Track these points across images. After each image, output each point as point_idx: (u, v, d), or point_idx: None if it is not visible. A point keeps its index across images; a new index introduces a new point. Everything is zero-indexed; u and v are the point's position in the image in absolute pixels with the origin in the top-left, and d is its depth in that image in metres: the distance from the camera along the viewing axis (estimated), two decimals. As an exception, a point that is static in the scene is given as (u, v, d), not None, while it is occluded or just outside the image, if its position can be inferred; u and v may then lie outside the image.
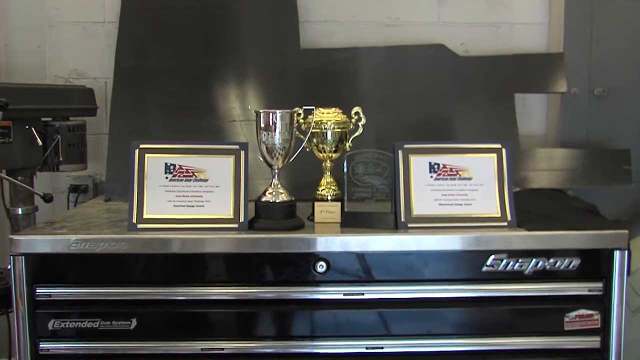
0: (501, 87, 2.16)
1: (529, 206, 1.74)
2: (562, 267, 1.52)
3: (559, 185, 2.08)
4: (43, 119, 1.90)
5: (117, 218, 1.68)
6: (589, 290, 1.53)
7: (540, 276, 1.52)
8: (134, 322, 1.49)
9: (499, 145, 1.60)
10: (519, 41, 2.28)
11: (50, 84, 2.17)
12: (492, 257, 1.50)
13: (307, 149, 1.69)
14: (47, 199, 1.73)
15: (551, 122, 2.32)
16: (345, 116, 1.69)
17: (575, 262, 1.52)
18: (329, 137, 1.66)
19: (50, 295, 1.49)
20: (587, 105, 2.27)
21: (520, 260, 1.51)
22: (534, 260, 1.51)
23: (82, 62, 2.22)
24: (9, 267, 1.49)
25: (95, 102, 2.05)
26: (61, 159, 1.91)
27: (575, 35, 2.25)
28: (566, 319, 1.53)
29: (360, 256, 1.50)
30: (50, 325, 1.49)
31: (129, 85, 2.10)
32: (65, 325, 1.49)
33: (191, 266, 1.50)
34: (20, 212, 1.86)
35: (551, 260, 1.51)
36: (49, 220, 1.69)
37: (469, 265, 1.51)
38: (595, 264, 1.52)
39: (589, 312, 1.53)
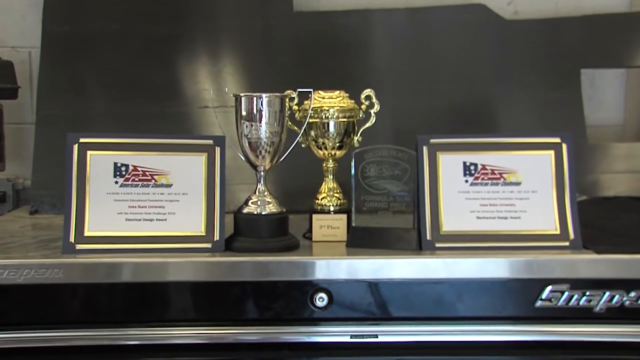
0: (562, 60, 2.21)
1: (600, 220, 1.79)
2: (646, 303, 1.54)
3: (641, 193, 2.14)
4: (-58, 103, 1.94)
5: (47, 237, 1.72)
6: (687, 336, 1.54)
7: (616, 315, 1.53)
8: (71, 376, 1.52)
9: (558, 140, 1.63)
10: (587, -3, 2.31)
11: (-49, 55, 2.20)
12: (550, 288, 1.52)
13: (303, 145, 1.74)
14: (-50, 211, 1.78)
15: (631, 107, 2.36)
16: (352, 101, 1.73)
17: (667, 297, 1.54)
18: (331, 129, 1.70)
19: (-50, 343, 1.50)
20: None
21: (587, 293, 1.53)
22: (607, 293, 1.52)
23: (-4, 25, 2.26)
24: None
25: (15, 80, 2.06)
26: (-32, 157, 1.95)
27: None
28: (655, 375, 1.55)
29: (373, 286, 1.53)
30: (-49, 386, 1.49)
31: (63, 58, 2.15)
32: (-28, 385, 1.50)
33: (148, 300, 1.53)
34: None
35: (632, 294, 1.52)
36: (-47, 239, 1.72)
37: (517, 299, 1.54)
38: (693, 301, 1.54)
39: (688, 365, 1.54)
